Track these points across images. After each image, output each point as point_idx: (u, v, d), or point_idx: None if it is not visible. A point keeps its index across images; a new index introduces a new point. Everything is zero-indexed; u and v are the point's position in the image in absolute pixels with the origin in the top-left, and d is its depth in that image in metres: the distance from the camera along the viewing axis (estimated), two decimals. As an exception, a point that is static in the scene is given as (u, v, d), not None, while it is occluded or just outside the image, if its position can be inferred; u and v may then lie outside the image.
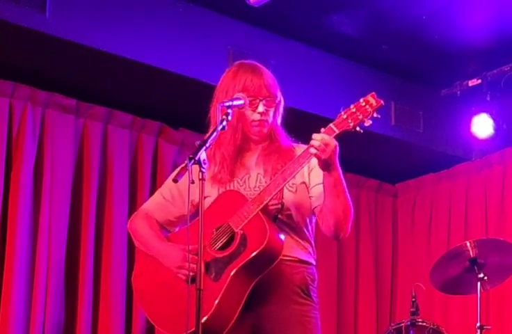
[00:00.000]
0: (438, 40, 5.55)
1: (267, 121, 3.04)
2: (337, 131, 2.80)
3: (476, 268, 4.56)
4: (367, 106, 2.81)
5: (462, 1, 5.14)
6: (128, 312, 5.33)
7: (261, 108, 3.01)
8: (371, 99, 2.83)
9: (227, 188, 3.00)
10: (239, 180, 3.01)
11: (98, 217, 5.33)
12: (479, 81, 5.97)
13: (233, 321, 2.81)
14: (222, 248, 2.89)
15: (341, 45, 5.67)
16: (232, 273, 2.82)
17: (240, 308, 2.82)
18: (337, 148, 2.80)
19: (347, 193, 2.89)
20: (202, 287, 2.57)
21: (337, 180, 2.84)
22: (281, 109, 3.12)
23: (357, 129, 2.81)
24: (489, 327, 4.66)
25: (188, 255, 2.81)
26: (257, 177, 3.01)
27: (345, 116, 2.81)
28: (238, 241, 2.85)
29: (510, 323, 5.87)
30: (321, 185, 2.93)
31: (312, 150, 2.76)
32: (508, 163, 6.20)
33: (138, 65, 4.96)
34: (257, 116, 3.02)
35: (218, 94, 3.08)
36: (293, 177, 2.86)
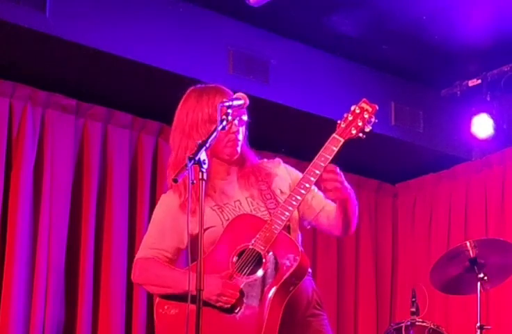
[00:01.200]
0: (438, 40, 5.54)
1: (239, 140, 3.03)
2: (343, 140, 2.85)
3: (476, 268, 4.56)
4: (364, 113, 2.85)
5: (462, 1, 5.14)
6: (128, 312, 5.33)
7: (234, 128, 2.99)
8: (365, 105, 2.87)
9: (225, 214, 2.99)
10: (232, 208, 2.99)
11: (98, 217, 5.33)
12: (479, 81, 5.96)
13: None
14: (252, 272, 2.85)
15: (341, 45, 5.67)
16: (274, 292, 2.79)
17: (279, 325, 2.80)
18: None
19: (355, 200, 2.95)
20: (202, 288, 2.55)
21: (352, 206, 2.92)
22: (244, 129, 3.09)
23: (360, 135, 2.86)
24: (489, 327, 4.66)
25: (225, 282, 2.81)
26: (247, 201, 3.01)
27: (344, 125, 2.86)
28: (268, 261, 2.83)
29: (510, 323, 5.86)
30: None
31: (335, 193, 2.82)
32: (508, 163, 6.20)
33: (138, 65, 4.96)
34: (232, 136, 3.00)
35: (181, 121, 3.07)
36: (307, 193, 2.88)
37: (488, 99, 5.93)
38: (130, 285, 5.35)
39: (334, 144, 2.84)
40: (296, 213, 2.98)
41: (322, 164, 2.84)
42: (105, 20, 4.84)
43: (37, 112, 5.17)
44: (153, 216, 3.14)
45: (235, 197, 3.02)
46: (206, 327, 2.61)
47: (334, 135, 2.85)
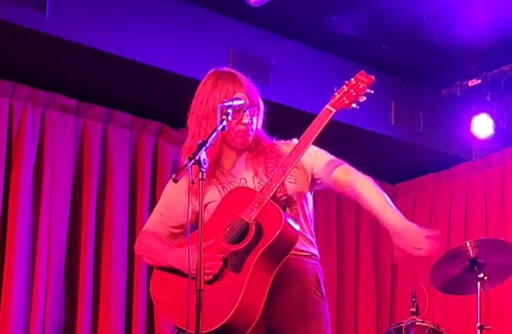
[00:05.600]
0: (438, 40, 5.55)
1: (252, 130, 3.05)
2: (334, 111, 2.90)
3: (476, 268, 4.57)
4: (359, 83, 2.90)
5: (462, 1, 5.14)
6: (128, 312, 5.33)
7: (245, 119, 3.01)
8: (362, 76, 2.92)
9: (225, 190, 3.01)
10: (236, 185, 3.02)
11: (98, 217, 5.33)
12: (479, 81, 5.96)
13: (259, 314, 2.81)
14: (238, 241, 2.88)
15: (341, 45, 5.67)
16: (254, 261, 2.82)
17: (265, 299, 2.82)
18: None
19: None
20: (202, 288, 2.57)
21: None
22: (261, 114, 3.11)
23: (354, 105, 2.90)
24: (489, 327, 4.66)
25: (207, 256, 2.80)
26: (253, 179, 3.03)
27: (339, 96, 2.91)
28: (253, 230, 2.85)
29: (510, 323, 5.86)
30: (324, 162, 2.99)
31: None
32: (508, 163, 6.20)
33: (138, 65, 4.96)
34: (242, 127, 3.02)
35: (196, 106, 3.07)
36: (297, 163, 2.88)
37: (488, 99, 5.93)
38: (130, 285, 5.35)
39: (325, 114, 2.90)
40: (296, 186, 2.98)
41: (313, 135, 2.89)
42: (105, 20, 4.84)
43: (37, 112, 5.17)
44: (164, 190, 3.19)
45: (241, 176, 3.05)
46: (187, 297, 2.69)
47: (327, 106, 2.91)
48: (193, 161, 2.63)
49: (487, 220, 6.25)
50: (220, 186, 3.04)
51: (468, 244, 4.60)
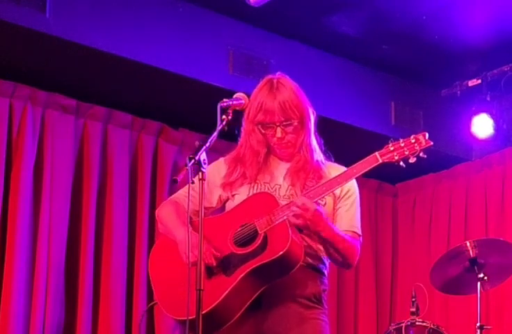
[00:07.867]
0: (438, 40, 5.55)
1: (289, 142, 3.04)
2: (381, 161, 2.93)
3: (476, 268, 4.56)
4: (416, 144, 2.94)
5: (462, 1, 5.15)
6: (128, 312, 5.33)
7: (279, 134, 3.01)
8: (422, 138, 2.96)
9: (258, 189, 3.02)
10: (269, 187, 3.03)
11: (98, 217, 5.33)
12: (479, 81, 5.96)
13: (234, 319, 2.84)
14: (243, 245, 2.89)
15: (341, 45, 5.67)
16: (244, 273, 2.83)
17: (243, 309, 2.83)
18: (318, 212, 2.83)
19: (341, 240, 2.93)
20: (202, 288, 2.59)
21: (326, 239, 2.89)
22: (310, 124, 3.08)
23: (401, 163, 2.92)
24: (489, 327, 4.66)
25: (211, 249, 2.86)
26: (287, 189, 3.03)
27: (392, 148, 2.93)
28: (259, 242, 2.86)
29: (510, 323, 5.86)
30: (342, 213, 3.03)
31: (291, 219, 2.82)
32: (508, 163, 6.20)
33: (138, 65, 4.96)
34: (276, 141, 3.03)
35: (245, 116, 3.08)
36: (321, 197, 2.88)
37: (488, 99, 5.93)
38: (130, 285, 5.35)
39: (371, 161, 2.92)
40: (325, 208, 2.97)
41: (351, 176, 2.89)
42: (105, 20, 4.84)
43: (37, 112, 5.17)
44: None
45: (278, 182, 3.05)
46: (180, 277, 2.81)
47: (376, 153, 2.92)
48: (192, 161, 2.64)
49: (487, 220, 6.25)
50: (253, 182, 3.05)
51: (468, 244, 4.60)
